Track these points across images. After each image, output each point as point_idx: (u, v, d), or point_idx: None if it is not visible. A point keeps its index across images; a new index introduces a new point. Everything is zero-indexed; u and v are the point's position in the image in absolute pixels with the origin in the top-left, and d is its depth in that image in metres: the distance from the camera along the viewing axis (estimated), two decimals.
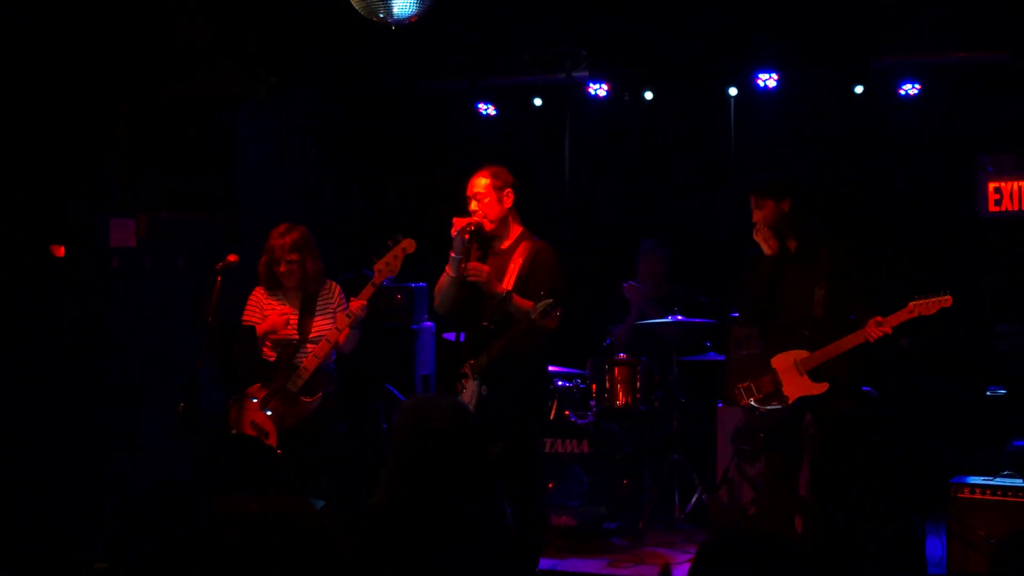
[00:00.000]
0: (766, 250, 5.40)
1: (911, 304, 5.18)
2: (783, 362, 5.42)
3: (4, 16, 5.95)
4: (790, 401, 5.39)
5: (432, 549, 2.95)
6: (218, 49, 6.62)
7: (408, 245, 5.53)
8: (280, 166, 7.52)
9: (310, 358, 5.50)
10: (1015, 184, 6.92)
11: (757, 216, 5.43)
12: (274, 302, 5.68)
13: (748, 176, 5.56)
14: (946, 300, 5.15)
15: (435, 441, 3.02)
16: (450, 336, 5.61)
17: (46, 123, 6.12)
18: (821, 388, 5.32)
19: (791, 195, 5.43)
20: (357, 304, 5.52)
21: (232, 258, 5.52)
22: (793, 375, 5.39)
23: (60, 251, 5.92)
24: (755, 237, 5.41)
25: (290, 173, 7.62)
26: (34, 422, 5.82)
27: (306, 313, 5.65)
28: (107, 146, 6.50)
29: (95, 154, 6.45)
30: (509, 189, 5.28)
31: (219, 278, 5.44)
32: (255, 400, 5.46)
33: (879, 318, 5.18)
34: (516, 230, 5.35)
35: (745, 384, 5.56)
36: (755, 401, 5.49)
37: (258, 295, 5.71)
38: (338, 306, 5.72)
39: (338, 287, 5.79)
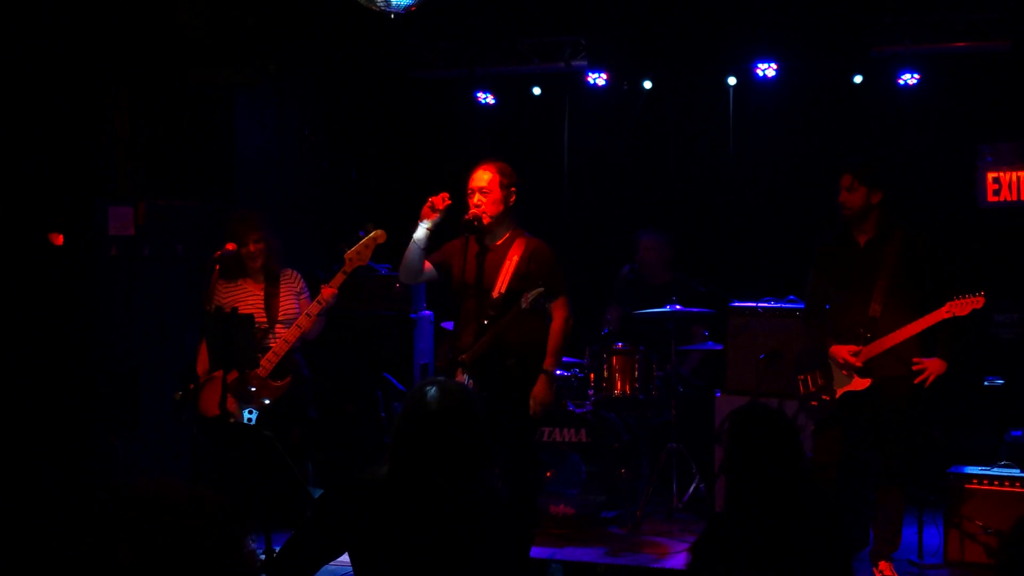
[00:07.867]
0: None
1: (947, 304, 5.18)
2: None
3: (4, 5, 5.94)
4: (837, 395, 5.42)
5: (428, 526, 2.98)
6: (217, 37, 6.60)
7: (379, 235, 5.54)
8: (278, 154, 7.51)
9: (279, 342, 5.50)
10: (1014, 174, 6.90)
11: (845, 198, 5.36)
12: (237, 292, 5.66)
13: (747, 163, 5.52)
14: (978, 301, 5.14)
15: (431, 420, 3.06)
16: (449, 325, 5.61)
17: (45, 111, 6.11)
18: (864, 384, 5.34)
19: (883, 188, 5.39)
20: (328, 292, 5.52)
21: (230, 246, 5.52)
22: (843, 370, 5.41)
23: (59, 239, 5.91)
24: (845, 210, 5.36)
25: (288, 161, 7.61)
26: (33, 409, 5.82)
27: (271, 297, 5.64)
28: (106, 134, 6.49)
29: (94, 142, 6.43)
30: (514, 188, 5.26)
31: (216, 266, 5.44)
32: (224, 383, 5.40)
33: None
34: (510, 228, 5.33)
35: (803, 376, 5.60)
36: (808, 392, 5.52)
37: (221, 286, 5.65)
38: (300, 291, 5.72)
39: (298, 273, 5.79)
